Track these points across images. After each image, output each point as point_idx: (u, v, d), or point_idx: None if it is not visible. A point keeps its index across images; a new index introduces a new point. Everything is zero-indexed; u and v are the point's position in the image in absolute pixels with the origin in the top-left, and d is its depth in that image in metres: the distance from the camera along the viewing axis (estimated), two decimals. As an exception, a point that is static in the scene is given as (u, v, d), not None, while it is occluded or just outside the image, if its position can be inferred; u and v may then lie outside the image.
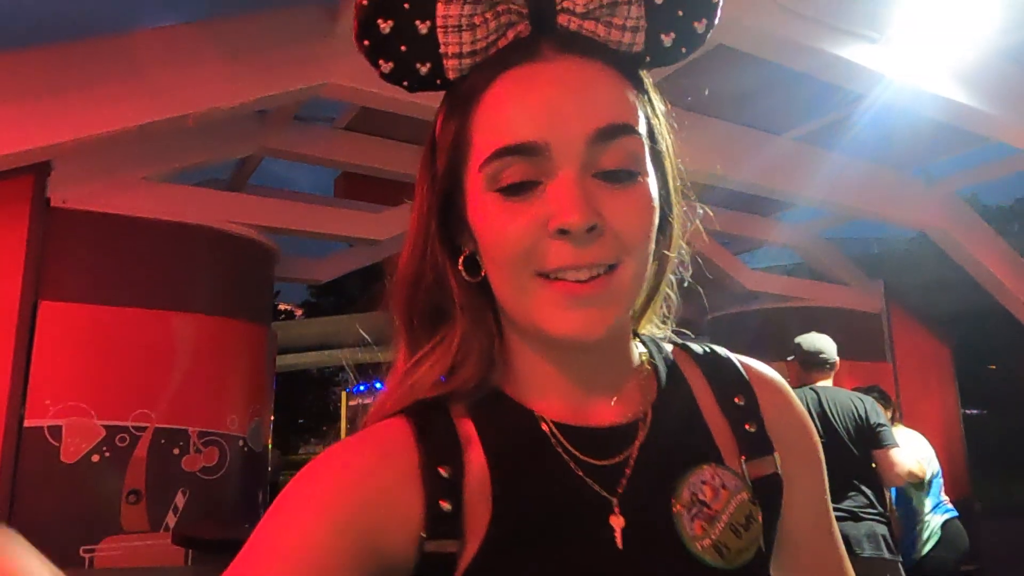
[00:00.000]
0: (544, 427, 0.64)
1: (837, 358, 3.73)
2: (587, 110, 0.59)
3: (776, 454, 0.69)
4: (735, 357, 0.76)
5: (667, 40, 0.63)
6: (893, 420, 4.22)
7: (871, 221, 6.08)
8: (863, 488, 3.47)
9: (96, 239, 3.92)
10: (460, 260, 0.66)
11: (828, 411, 3.50)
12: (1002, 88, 3.83)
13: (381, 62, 0.62)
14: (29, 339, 3.63)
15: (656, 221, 0.63)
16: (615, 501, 0.62)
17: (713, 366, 0.74)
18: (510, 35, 0.61)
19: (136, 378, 3.86)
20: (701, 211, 0.76)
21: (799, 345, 3.76)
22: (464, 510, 0.60)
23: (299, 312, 21.33)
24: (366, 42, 0.60)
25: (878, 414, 3.52)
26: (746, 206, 6.19)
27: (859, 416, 3.47)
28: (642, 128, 0.62)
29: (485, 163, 0.59)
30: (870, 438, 3.45)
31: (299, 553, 0.55)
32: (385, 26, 0.59)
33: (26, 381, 3.60)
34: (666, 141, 0.68)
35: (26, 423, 3.59)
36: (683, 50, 0.64)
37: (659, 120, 0.67)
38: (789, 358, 3.83)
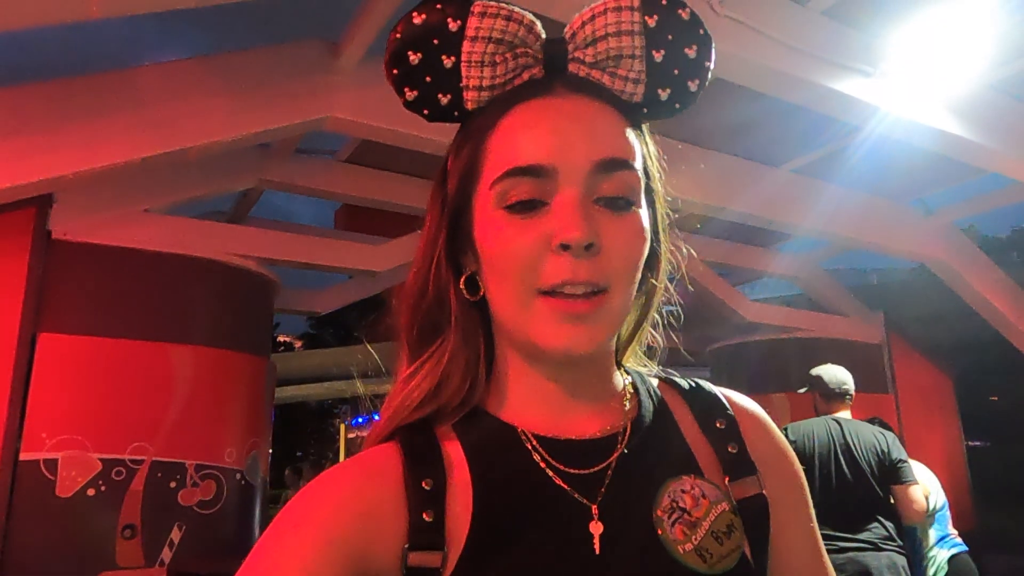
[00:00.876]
0: (524, 439, 0.67)
1: (854, 390, 3.77)
2: (593, 141, 0.65)
3: (759, 475, 0.71)
4: (718, 389, 0.80)
5: (663, 95, 0.69)
6: None
7: (870, 252, 6.10)
8: (883, 520, 3.47)
9: (97, 271, 3.92)
10: (462, 279, 0.70)
11: (851, 444, 3.51)
12: (996, 120, 3.87)
13: (407, 90, 0.67)
14: (27, 371, 3.62)
15: (645, 252, 0.67)
16: (594, 508, 0.65)
17: (695, 395, 0.77)
18: (525, 75, 0.67)
19: (134, 411, 3.84)
20: (687, 251, 0.79)
21: (819, 377, 3.78)
22: (446, 521, 0.63)
23: (298, 344, 21.29)
24: (395, 71, 0.66)
25: (900, 450, 3.54)
26: (745, 237, 6.22)
27: (881, 451, 3.49)
28: (639, 166, 0.67)
29: (497, 181, 0.64)
30: (891, 472, 3.46)
31: (293, 573, 0.58)
32: (414, 58, 0.66)
33: (23, 414, 3.58)
34: (658, 182, 0.73)
35: (22, 456, 3.56)
36: (677, 105, 0.70)
37: (652, 162, 0.73)
38: (802, 390, 3.84)
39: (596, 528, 0.64)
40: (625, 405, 0.72)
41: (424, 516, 0.62)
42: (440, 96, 0.68)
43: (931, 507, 4.12)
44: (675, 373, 0.81)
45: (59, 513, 3.58)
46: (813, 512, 0.77)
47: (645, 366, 0.81)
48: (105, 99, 3.22)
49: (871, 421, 4.18)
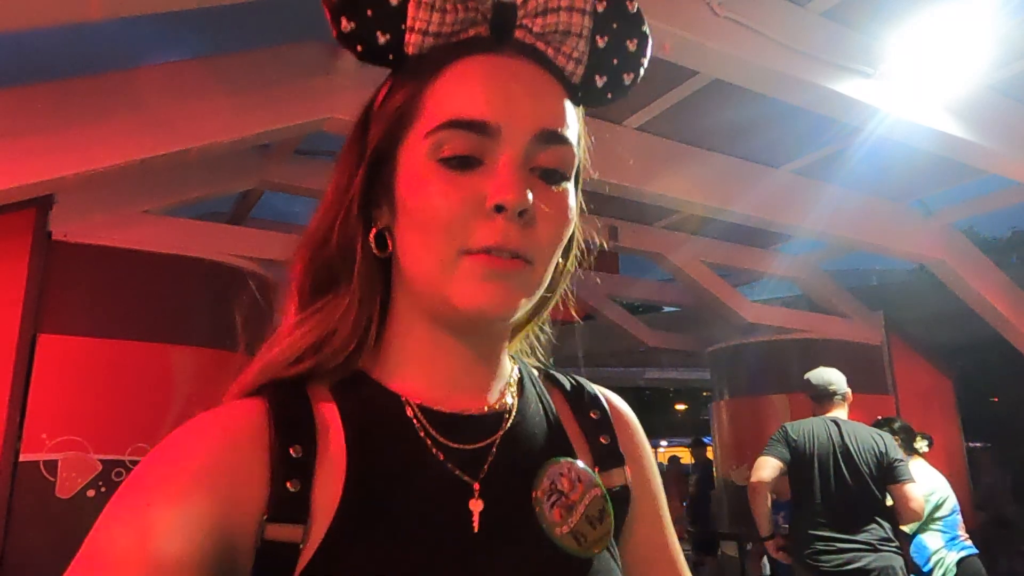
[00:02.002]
0: (407, 409, 0.64)
1: (848, 389, 3.77)
2: (540, 109, 0.63)
3: (626, 468, 0.73)
4: (596, 387, 0.81)
5: (600, 82, 0.68)
6: (909, 448, 4.18)
7: (870, 253, 6.11)
8: (881, 522, 3.48)
9: (97, 272, 3.92)
10: (371, 233, 0.67)
11: (850, 446, 3.53)
12: (996, 121, 3.88)
13: (343, 20, 0.65)
14: (27, 372, 3.62)
15: (569, 232, 0.66)
16: (476, 485, 0.63)
17: (573, 388, 0.78)
18: (471, 32, 0.65)
19: (134, 412, 3.84)
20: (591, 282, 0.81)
21: (808, 380, 3.81)
22: (313, 492, 0.58)
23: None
24: None
25: (896, 450, 3.56)
26: (745, 238, 6.22)
27: (879, 452, 3.50)
28: (576, 148, 0.66)
29: (434, 131, 0.61)
30: (888, 472, 3.47)
31: (137, 557, 0.53)
32: None
33: (23, 415, 3.58)
34: (583, 169, 0.72)
35: (22, 457, 3.55)
36: (609, 95, 0.69)
37: (583, 147, 0.71)
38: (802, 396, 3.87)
39: (476, 506, 0.62)
40: (511, 387, 0.71)
41: (288, 485, 0.57)
42: (379, 34, 0.66)
43: (931, 506, 4.12)
44: (555, 368, 0.82)
45: (59, 514, 3.57)
46: (668, 518, 0.79)
47: (529, 356, 0.80)
48: (105, 100, 3.22)
49: (885, 422, 4.18)
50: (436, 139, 0.61)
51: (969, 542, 4.29)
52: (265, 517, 0.56)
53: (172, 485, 0.56)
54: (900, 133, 3.75)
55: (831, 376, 3.77)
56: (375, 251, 0.67)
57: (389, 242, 0.66)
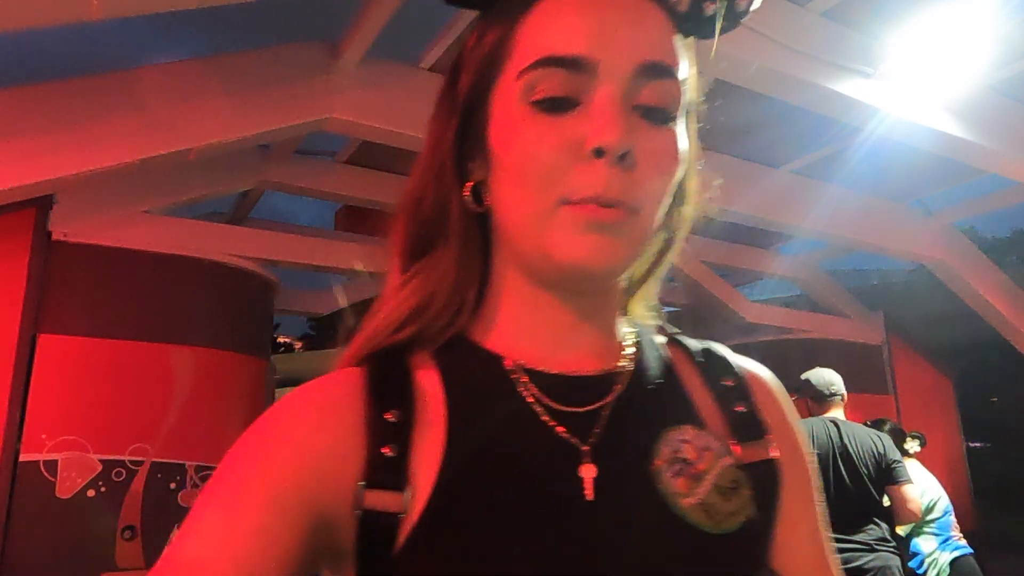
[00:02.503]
0: (510, 370, 0.60)
1: (845, 390, 3.78)
2: (641, 40, 0.57)
3: (769, 439, 0.63)
4: (729, 351, 0.72)
5: (709, 8, 0.62)
6: (900, 450, 4.19)
7: (870, 253, 6.10)
8: (878, 522, 3.50)
9: (97, 272, 3.92)
10: (467, 187, 0.63)
11: (848, 445, 3.53)
12: (996, 121, 3.87)
13: None
14: (27, 372, 3.62)
15: (679, 176, 0.60)
16: (586, 450, 0.57)
17: (703, 353, 0.70)
18: None
19: (134, 412, 3.84)
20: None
21: (807, 381, 3.81)
22: (412, 458, 0.55)
23: (299, 345, 21.29)
24: None
25: (894, 451, 3.58)
26: (745, 238, 6.21)
27: (878, 453, 3.52)
28: (682, 79, 0.60)
29: (525, 71, 0.57)
30: (886, 473, 3.48)
31: (238, 534, 0.51)
32: None
33: (23, 415, 3.57)
34: (692, 105, 0.66)
35: (21, 457, 3.55)
36: (719, 25, 0.63)
37: (694, 82, 0.65)
38: (793, 397, 3.86)
39: (587, 471, 0.56)
40: (626, 348, 0.64)
41: (384, 451, 0.55)
42: None
43: (925, 506, 4.13)
44: (679, 331, 0.73)
45: (59, 514, 3.57)
46: (817, 493, 0.68)
47: (650, 321, 0.72)
48: (105, 100, 3.22)
49: (880, 423, 4.19)
50: (528, 80, 0.56)
51: (963, 541, 4.29)
52: (362, 483, 0.54)
53: (266, 449, 0.56)
54: (900, 133, 3.75)
55: (831, 377, 3.78)
56: (472, 207, 0.63)
57: (486, 197, 0.62)
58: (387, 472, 0.54)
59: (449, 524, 0.53)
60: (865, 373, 6.67)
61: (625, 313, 0.70)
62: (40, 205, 3.63)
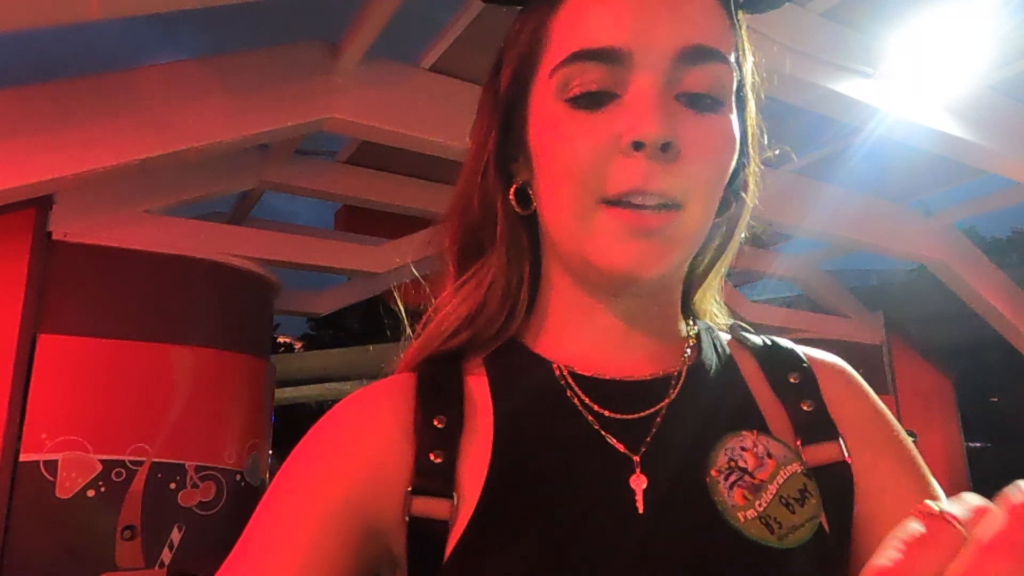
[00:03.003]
0: (559, 375, 0.58)
1: None
2: (679, 24, 0.54)
3: (842, 439, 0.58)
4: (797, 345, 0.67)
5: None
6: None
7: (870, 253, 6.10)
8: None
9: (97, 272, 3.92)
10: (512, 190, 0.61)
11: None
12: (996, 121, 3.87)
13: None
14: (27, 372, 3.62)
15: (732, 165, 0.57)
16: (637, 460, 0.54)
17: (767, 350, 0.65)
18: None
19: (134, 412, 3.84)
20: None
21: None
22: (460, 465, 0.54)
23: (298, 345, 21.29)
24: None
25: None
26: (745, 238, 6.21)
27: None
28: (732, 60, 0.56)
29: (559, 67, 0.54)
30: None
31: (292, 550, 0.51)
32: None
33: (23, 415, 3.57)
34: (751, 90, 0.62)
35: (21, 457, 3.55)
36: None
37: (748, 61, 0.62)
38: None
39: (638, 482, 0.53)
40: (685, 352, 0.61)
41: (431, 457, 0.54)
42: None
43: None
44: (749, 328, 0.69)
45: (59, 514, 3.57)
46: (932, 483, 0.60)
47: (718, 316, 0.69)
48: (105, 100, 3.22)
49: None
50: (562, 76, 0.54)
51: None
52: (409, 489, 0.53)
53: (318, 461, 0.55)
54: (900, 133, 3.75)
55: None
56: (517, 209, 0.60)
57: (532, 199, 0.60)
58: (434, 478, 0.53)
59: (496, 535, 0.52)
60: (865, 373, 6.56)
61: (690, 311, 0.67)
62: (40, 205, 3.63)
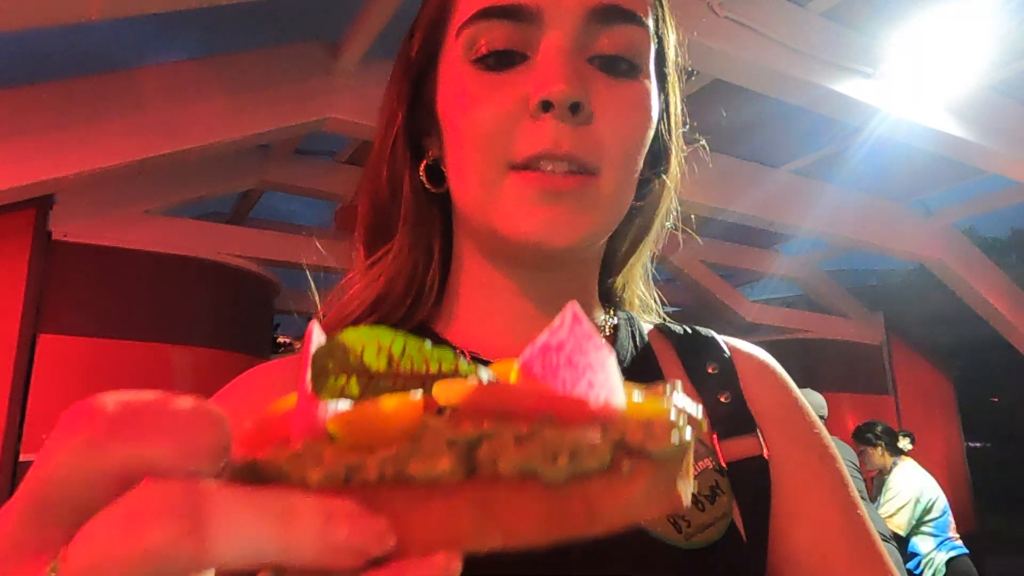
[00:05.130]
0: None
1: (826, 412, 3.84)
2: None
3: (760, 433, 0.56)
4: (719, 335, 0.64)
5: None
6: (894, 450, 4.21)
7: (870, 253, 6.10)
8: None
9: (97, 272, 3.92)
10: (422, 166, 0.57)
11: None
12: (995, 121, 3.87)
13: None
14: (27, 372, 3.62)
15: (649, 133, 0.53)
16: None
17: (688, 340, 0.62)
18: None
19: (134, 412, 3.83)
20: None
21: None
22: None
23: (299, 345, 21.29)
24: None
25: (856, 467, 3.65)
26: (745, 238, 6.21)
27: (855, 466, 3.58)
28: (650, 25, 0.53)
29: (465, 24, 0.51)
30: None
31: None
32: None
33: (23, 415, 3.57)
34: (673, 68, 0.59)
35: (22, 457, 3.55)
36: None
37: (670, 32, 0.58)
38: None
39: None
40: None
41: None
42: None
43: (921, 508, 4.14)
44: (673, 321, 0.66)
45: (59, 514, 3.57)
46: (847, 479, 0.58)
47: (644, 307, 0.65)
48: (105, 100, 3.22)
49: (863, 429, 4.20)
50: (469, 35, 0.51)
51: (959, 542, 4.30)
52: None
53: None
54: (900, 133, 3.75)
55: (817, 399, 3.82)
56: (428, 186, 0.57)
57: (445, 175, 0.56)
58: None
59: None
60: (865, 373, 6.67)
61: (611, 300, 0.64)
62: (40, 205, 3.63)
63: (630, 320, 0.63)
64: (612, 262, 0.63)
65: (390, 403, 0.25)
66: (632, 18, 0.51)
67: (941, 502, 4.29)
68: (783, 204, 4.87)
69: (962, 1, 3.16)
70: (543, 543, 0.25)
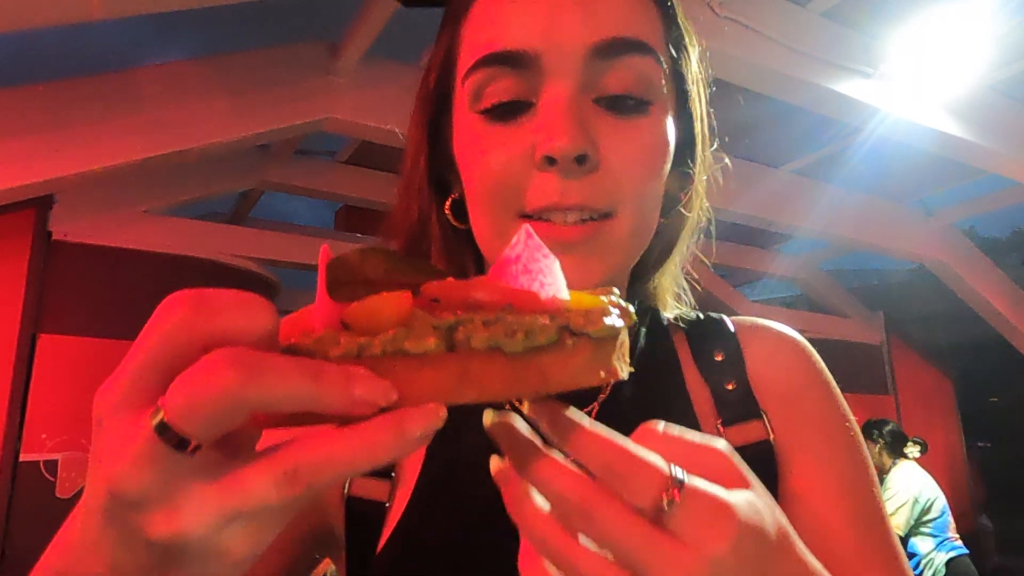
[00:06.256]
0: None
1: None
2: (590, 18, 0.49)
3: (766, 417, 0.57)
4: (729, 318, 0.65)
5: None
6: (894, 451, 4.19)
7: (870, 253, 6.10)
8: None
9: (97, 272, 3.92)
10: (447, 203, 0.58)
11: None
12: (995, 121, 3.87)
13: None
14: (27, 372, 3.61)
15: (664, 169, 0.53)
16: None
17: (698, 327, 0.64)
18: None
19: (134, 412, 3.83)
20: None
21: None
22: None
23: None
24: None
25: None
26: (745, 238, 6.21)
27: None
28: (660, 50, 0.52)
29: (469, 72, 0.51)
30: None
31: None
32: None
33: (23, 415, 3.57)
34: (697, 81, 0.58)
35: (22, 457, 3.55)
36: None
37: (689, 55, 0.57)
38: None
39: None
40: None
41: None
42: None
43: (920, 509, 4.13)
44: (698, 313, 0.66)
45: (59, 514, 3.52)
46: (861, 463, 0.58)
47: (677, 300, 0.66)
48: (105, 100, 3.22)
49: (872, 425, 4.18)
50: (474, 83, 0.51)
51: (959, 542, 4.30)
52: None
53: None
54: (900, 133, 3.75)
55: None
56: (454, 223, 0.58)
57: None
58: None
59: (422, 534, 0.51)
60: (865, 373, 6.67)
61: (641, 298, 0.64)
62: (40, 205, 3.63)
63: (651, 314, 0.63)
64: (642, 270, 0.63)
65: (388, 299, 0.33)
66: (638, 47, 0.50)
67: (940, 502, 4.29)
68: (783, 204, 4.87)
69: (962, 1, 3.16)
70: (506, 398, 0.34)
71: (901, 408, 6.87)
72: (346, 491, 0.53)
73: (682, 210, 0.59)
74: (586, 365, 0.34)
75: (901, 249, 5.58)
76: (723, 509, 0.35)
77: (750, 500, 0.37)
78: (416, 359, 0.32)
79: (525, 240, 0.35)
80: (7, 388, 3.50)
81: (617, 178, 0.50)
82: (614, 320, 0.34)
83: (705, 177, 0.62)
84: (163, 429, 0.31)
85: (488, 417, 0.35)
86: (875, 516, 0.56)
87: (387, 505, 0.53)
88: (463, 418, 0.55)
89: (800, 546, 0.39)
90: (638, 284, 0.64)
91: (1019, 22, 3.33)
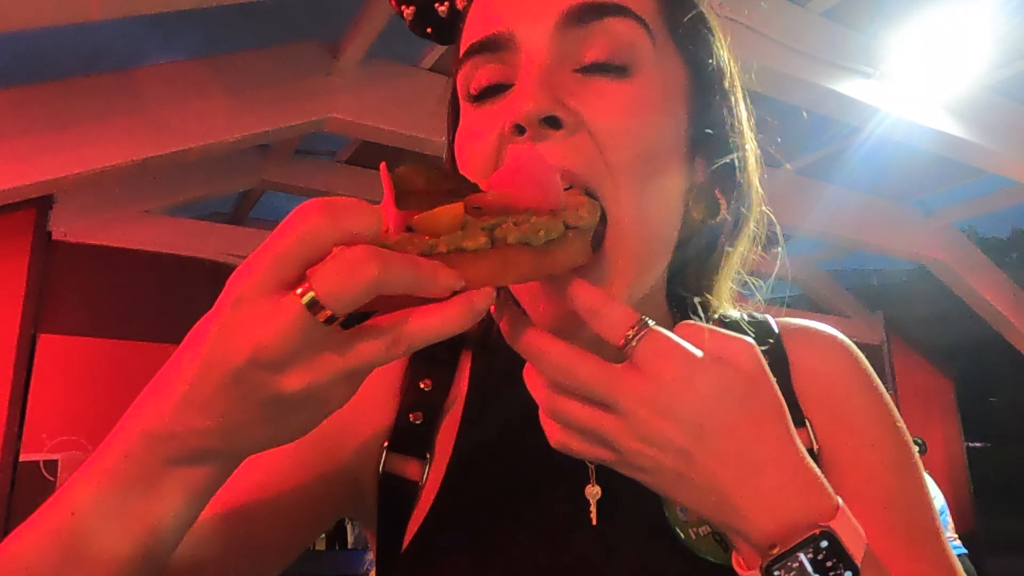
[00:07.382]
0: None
1: None
2: None
3: (810, 425, 0.56)
4: (776, 319, 0.64)
5: None
6: None
7: (870, 253, 6.10)
8: None
9: (97, 272, 3.92)
10: None
11: None
12: (995, 121, 3.87)
13: (404, 8, 0.59)
14: (27, 372, 3.62)
15: (656, 135, 0.50)
16: (592, 468, 0.53)
17: (739, 330, 0.61)
18: None
19: (134, 412, 3.83)
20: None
21: None
22: (439, 431, 0.55)
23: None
24: None
25: None
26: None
27: None
28: (648, 16, 0.51)
29: (458, 67, 0.54)
30: None
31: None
32: None
33: (23, 415, 3.57)
34: (719, 55, 0.56)
35: (22, 457, 3.55)
36: None
37: (710, 40, 0.56)
38: None
39: (593, 492, 0.53)
40: None
41: (411, 417, 0.55)
42: (437, 6, 0.58)
43: None
44: (744, 314, 0.64)
45: (59, 514, 3.57)
46: (904, 468, 0.57)
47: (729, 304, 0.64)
48: (105, 100, 3.22)
49: None
50: (463, 76, 0.53)
51: (959, 542, 4.30)
52: (386, 444, 0.55)
53: None
54: (900, 133, 3.75)
55: None
56: None
57: None
58: (410, 437, 0.55)
59: (452, 519, 0.53)
60: (865, 373, 6.67)
61: (687, 305, 0.61)
62: (40, 205, 3.63)
63: (697, 317, 0.62)
64: (684, 267, 0.61)
65: (447, 210, 0.42)
66: (613, 9, 0.49)
67: (939, 502, 4.29)
68: (783, 204, 4.85)
69: (962, 1, 3.16)
70: (532, 279, 0.45)
71: (901, 408, 6.79)
72: (381, 467, 0.55)
73: (725, 214, 0.57)
74: (578, 250, 0.46)
75: (901, 249, 5.58)
76: (679, 349, 0.43)
77: (737, 363, 0.43)
78: (471, 253, 0.41)
79: (529, 156, 0.44)
80: (7, 388, 3.50)
81: (600, 139, 0.48)
82: (595, 212, 0.46)
83: (757, 178, 0.60)
84: (313, 304, 0.37)
85: (491, 299, 0.41)
86: (920, 529, 0.54)
87: (420, 484, 0.54)
88: (490, 409, 0.57)
89: (784, 428, 0.44)
90: (691, 280, 0.61)
91: (1019, 22, 3.33)
